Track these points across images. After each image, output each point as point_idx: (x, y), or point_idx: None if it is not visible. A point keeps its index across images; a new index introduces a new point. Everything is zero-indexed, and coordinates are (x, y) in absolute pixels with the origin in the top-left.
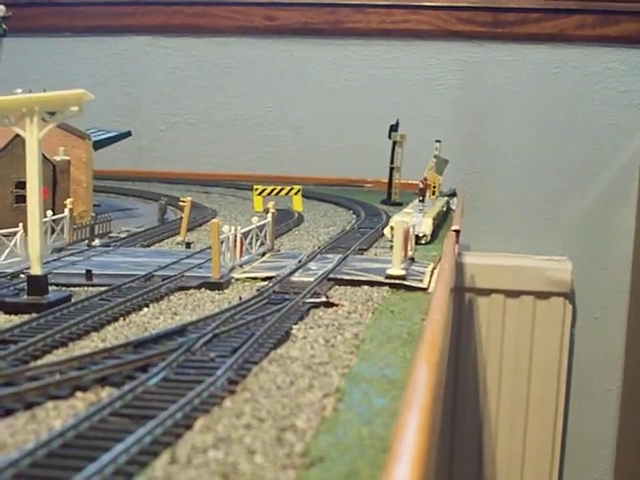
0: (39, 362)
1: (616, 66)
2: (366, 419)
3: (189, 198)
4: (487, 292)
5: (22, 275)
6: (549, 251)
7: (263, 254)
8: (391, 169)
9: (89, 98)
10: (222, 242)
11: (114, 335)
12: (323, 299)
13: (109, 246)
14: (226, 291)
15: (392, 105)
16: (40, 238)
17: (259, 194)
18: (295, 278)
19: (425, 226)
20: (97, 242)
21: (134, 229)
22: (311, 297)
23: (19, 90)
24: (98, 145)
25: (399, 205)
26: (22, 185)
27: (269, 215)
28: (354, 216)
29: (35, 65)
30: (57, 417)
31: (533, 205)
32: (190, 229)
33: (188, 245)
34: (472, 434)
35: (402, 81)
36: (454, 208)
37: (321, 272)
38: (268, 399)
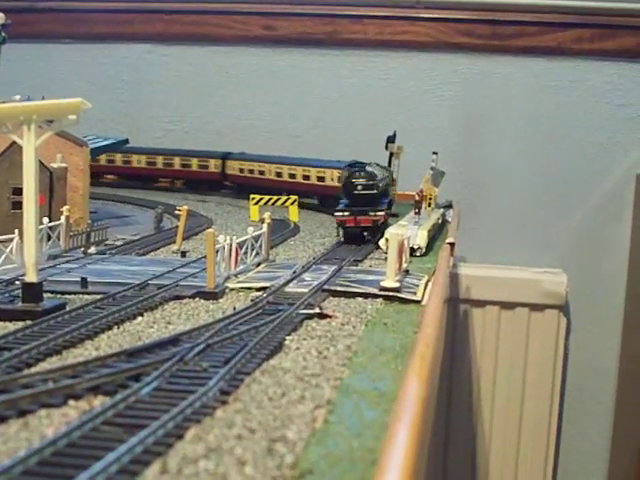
0: (33, 370)
1: (614, 80)
2: (357, 431)
3: (185, 207)
4: (482, 303)
5: (17, 282)
6: (544, 263)
7: (258, 264)
8: None
9: (86, 107)
10: (217, 252)
11: (108, 344)
12: (317, 310)
13: (105, 254)
14: (220, 301)
15: (389, 116)
16: (36, 245)
17: (255, 203)
18: (289, 289)
19: (420, 238)
20: (93, 249)
21: (130, 237)
22: (305, 308)
23: (17, 96)
24: (96, 152)
25: (395, 216)
26: (19, 191)
27: (265, 225)
28: None
29: (33, 71)
30: (50, 425)
31: (529, 218)
32: (186, 238)
33: (183, 254)
34: (465, 444)
35: (400, 92)
36: (450, 220)
37: (315, 283)
38: (259, 410)
